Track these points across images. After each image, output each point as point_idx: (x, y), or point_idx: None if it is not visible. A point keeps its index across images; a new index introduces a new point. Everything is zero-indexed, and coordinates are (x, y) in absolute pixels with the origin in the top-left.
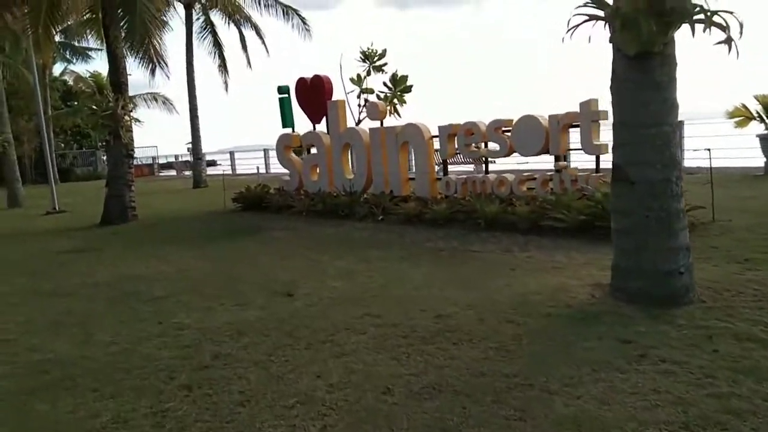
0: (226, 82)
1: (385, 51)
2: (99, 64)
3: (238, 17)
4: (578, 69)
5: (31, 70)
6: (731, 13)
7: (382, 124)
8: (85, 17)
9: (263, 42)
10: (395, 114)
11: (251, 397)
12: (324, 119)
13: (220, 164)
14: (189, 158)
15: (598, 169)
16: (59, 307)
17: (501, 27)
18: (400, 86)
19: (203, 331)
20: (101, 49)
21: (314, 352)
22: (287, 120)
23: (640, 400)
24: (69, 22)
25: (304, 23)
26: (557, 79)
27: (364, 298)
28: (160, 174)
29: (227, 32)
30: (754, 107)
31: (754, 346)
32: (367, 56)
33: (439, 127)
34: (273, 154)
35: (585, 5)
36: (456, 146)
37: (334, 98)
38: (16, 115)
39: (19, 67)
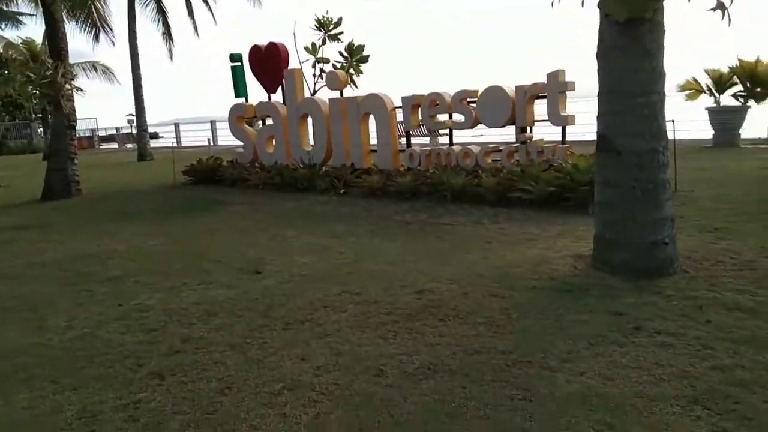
0: (170, 50)
1: (341, 19)
2: (31, 30)
3: None
4: (546, 40)
5: None
6: None
7: (341, 94)
8: None
9: (210, 9)
10: (352, 84)
11: (232, 384)
12: (280, 89)
13: (162, 137)
14: (131, 130)
15: (564, 141)
16: (4, 291)
17: None
18: (356, 56)
19: (168, 313)
20: (33, 15)
21: (294, 332)
22: (240, 90)
23: (644, 374)
24: None
25: None
26: (525, 50)
27: (339, 275)
28: (101, 147)
29: None
30: (704, 81)
31: (745, 316)
32: (322, 24)
33: (403, 98)
34: (220, 126)
35: None
36: (420, 117)
37: (290, 67)
38: None
39: None
